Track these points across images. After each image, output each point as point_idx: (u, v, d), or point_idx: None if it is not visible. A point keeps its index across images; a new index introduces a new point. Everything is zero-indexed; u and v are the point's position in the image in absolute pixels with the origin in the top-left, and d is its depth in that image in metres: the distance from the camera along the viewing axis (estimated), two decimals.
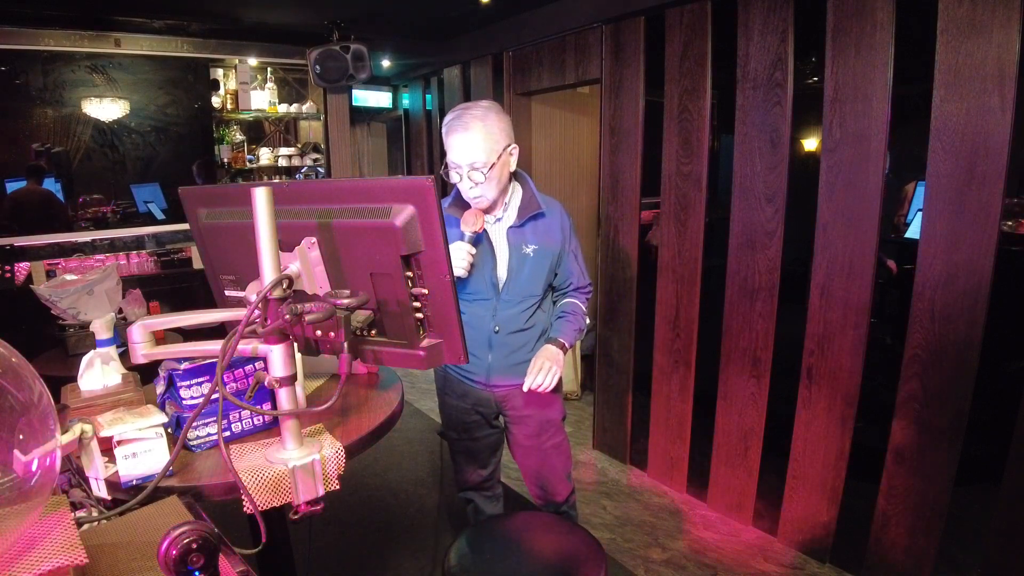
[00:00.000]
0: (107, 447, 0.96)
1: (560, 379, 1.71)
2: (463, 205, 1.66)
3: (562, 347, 1.68)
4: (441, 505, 2.67)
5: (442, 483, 2.84)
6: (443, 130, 1.62)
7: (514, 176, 1.72)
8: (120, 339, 1.69)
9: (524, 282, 1.70)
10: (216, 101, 4.06)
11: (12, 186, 3.41)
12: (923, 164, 1.85)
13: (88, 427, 0.91)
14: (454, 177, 1.62)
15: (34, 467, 0.70)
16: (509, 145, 1.62)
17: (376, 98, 5.10)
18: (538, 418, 1.82)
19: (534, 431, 1.83)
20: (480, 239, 1.65)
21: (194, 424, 1.08)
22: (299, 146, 4.58)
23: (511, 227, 1.69)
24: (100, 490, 0.95)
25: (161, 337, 2.43)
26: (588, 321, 1.81)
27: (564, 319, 1.75)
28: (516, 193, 1.73)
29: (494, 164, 1.57)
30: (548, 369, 1.62)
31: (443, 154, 1.68)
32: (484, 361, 1.74)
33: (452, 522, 2.56)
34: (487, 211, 1.66)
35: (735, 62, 2.30)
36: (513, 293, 1.70)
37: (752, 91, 2.27)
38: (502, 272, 1.69)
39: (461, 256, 1.58)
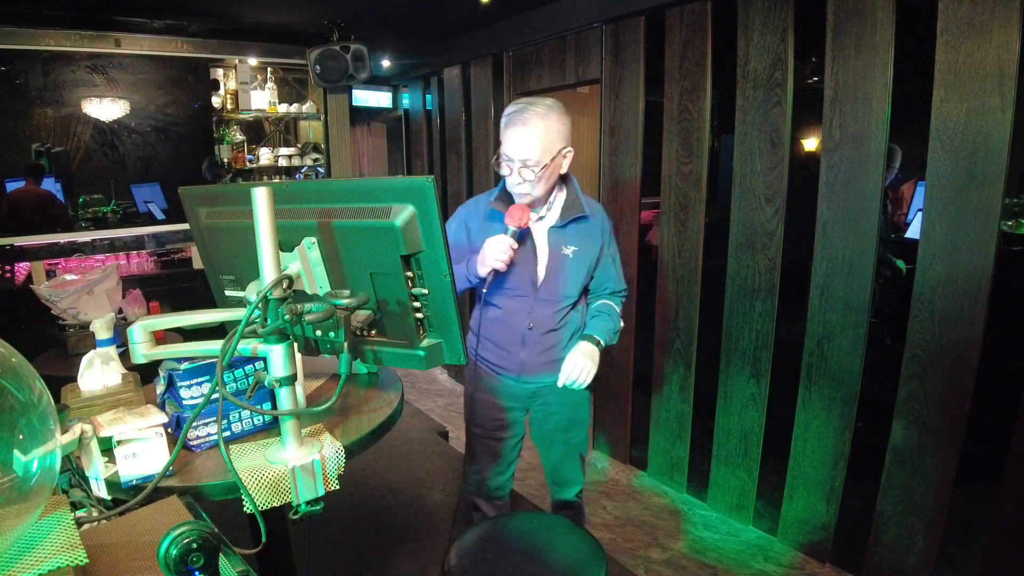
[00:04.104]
0: (107, 447, 0.96)
1: (595, 376, 1.70)
2: (508, 199, 1.65)
3: (597, 344, 1.68)
4: (442, 505, 2.66)
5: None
6: (503, 121, 1.60)
7: (561, 177, 1.71)
8: (120, 339, 1.69)
9: (562, 283, 1.69)
10: (216, 101, 4.07)
11: (12, 186, 3.41)
12: (923, 164, 1.85)
13: (88, 427, 0.91)
14: (504, 170, 1.61)
15: (34, 467, 0.70)
16: (565, 147, 1.61)
17: (376, 98, 5.10)
18: (568, 415, 1.83)
19: (562, 427, 1.84)
20: (524, 235, 1.63)
21: (194, 424, 1.08)
22: (299, 146, 4.59)
23: (552, 227, 1.68)
24: (100, 490, 0.95)
25: (161, 337, 2.43)
26: (622, 324, 1.80)
27: (599, 318, 1.74)
28: (561, 193, 1.71)
29: (547, 164, 1.56)
30: (583, 367, 1.62)
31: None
32: (517, 357, 1.74)
33: (452, 522, 2.56)
34: (530, 207, 1.64)
35: (735, 62, 2.30)
36: (550, 293, 1.69)
37: (752, 91, 2.27)
38: (541, 271, 1.68)
39: (502, 249, 1.55)
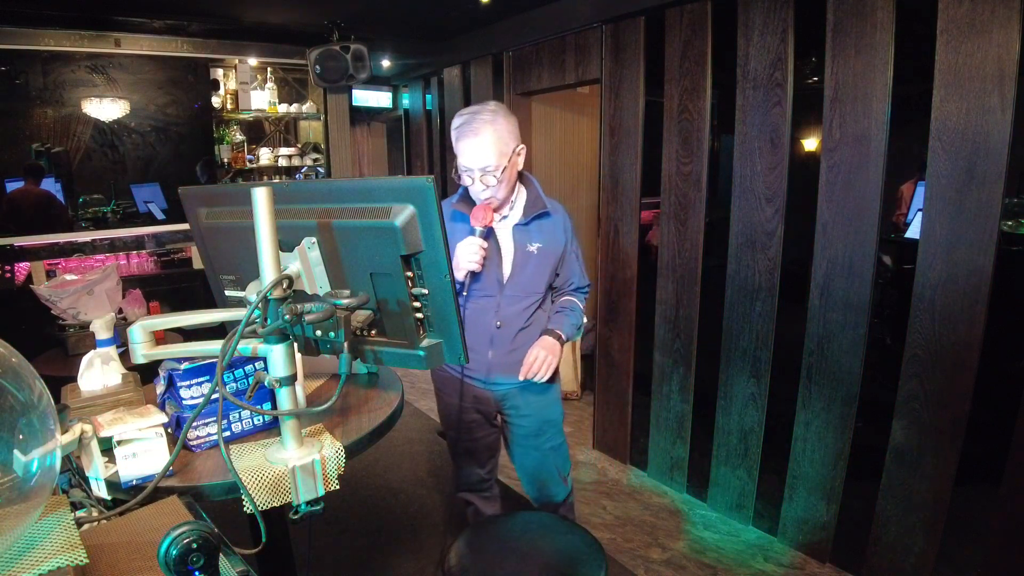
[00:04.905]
0: (107, 447, 0.96)
1: (558, 375, 1.71)
2: (471, 201, 1.67)
3: (558, 338, 1.70)
4: (441, 505, 2.67)
5: (450, 483, 2.84)
6: (453, 135, 1.62)
7: (519, 176, 1.73)
8: (120, 339, 1.69)
9: (528, 279, 1.71)
10: (216, 101, 4.07)
11: (12, 186, 3.41)
12: (923, 164, 1.85)
13: (88, 427, 0.91)
14: (466, 180, 1.63)
15: (34, 467, 0.70)
16: (517, 146, 1.64)
17: (376, 98, 5.10)
18: (538, 418, 1.82)
19: (533, 431, 1.83)
20: (489, 234, 1.66)
21: (194, 424, 1.08)
22: (299, 146, 4.59)
23: (516, 225, 1.71)
24: (100, 490, 0.95)
25: (161, 337, 2.43)
26: (586, 320, 1.82)
27: (562, 313, 1.77)
28: (522, 192, 1.75)
29: (505, 167, 1.59)
30: (544, 359, 1.63)
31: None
32: (484, 358, 1.75)
33: (452, 522, 2.56)
34: (495, 210, 1.67)
35: (735, 62, 2.30)
36: (517, 290, 1.71)
37: (752, 91, 2.26)
38: (506, 269, 1.70)
39: (474, 250, 1.58)
